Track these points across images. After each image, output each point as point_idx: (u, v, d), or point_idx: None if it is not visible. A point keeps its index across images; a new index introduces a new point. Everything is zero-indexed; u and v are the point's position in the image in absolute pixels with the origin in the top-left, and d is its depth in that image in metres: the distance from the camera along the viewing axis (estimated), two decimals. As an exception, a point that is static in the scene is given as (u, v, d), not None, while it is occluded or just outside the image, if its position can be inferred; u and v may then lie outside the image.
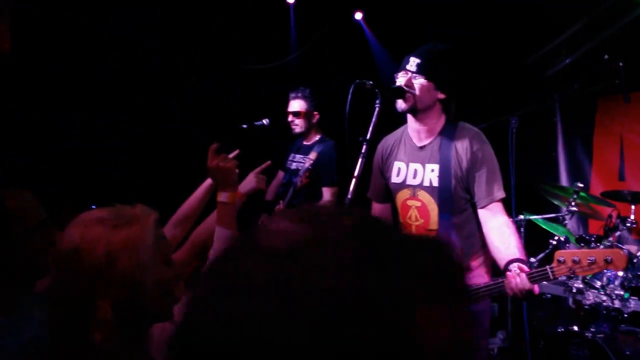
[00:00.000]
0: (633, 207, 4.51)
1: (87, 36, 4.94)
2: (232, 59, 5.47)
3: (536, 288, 2.61)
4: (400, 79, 3.02)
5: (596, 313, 4.37)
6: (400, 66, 3.06)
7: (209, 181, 2.77)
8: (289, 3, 5.52)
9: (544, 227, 4.92)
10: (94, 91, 5.00)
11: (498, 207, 2.95)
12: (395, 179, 3.18)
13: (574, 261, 2.50)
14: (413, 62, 2.99)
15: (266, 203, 5.00)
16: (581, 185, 4.77)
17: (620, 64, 4.50)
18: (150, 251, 1.54)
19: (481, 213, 2.97)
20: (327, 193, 4.61)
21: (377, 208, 3.40)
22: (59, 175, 4.64)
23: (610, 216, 4.66)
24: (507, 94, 5.90)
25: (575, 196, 4.71)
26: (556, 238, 4.80)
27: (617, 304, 4.19)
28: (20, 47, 4.65)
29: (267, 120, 4.79)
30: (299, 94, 4.76)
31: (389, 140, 3.29)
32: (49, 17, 4.77)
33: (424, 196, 3.06)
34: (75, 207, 1.85)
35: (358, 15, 5.97)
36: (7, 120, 4.51)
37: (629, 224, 4.44)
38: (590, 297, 4.38)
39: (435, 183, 3.01)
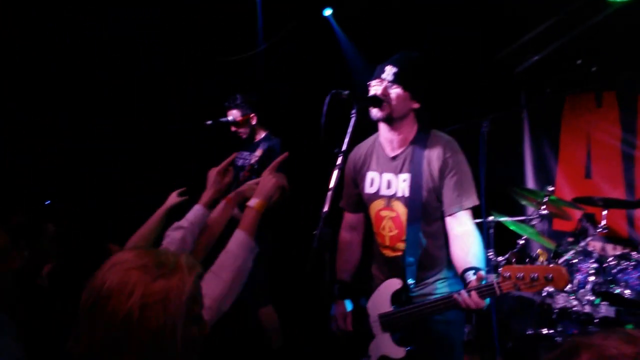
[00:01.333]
0: (604, 212, 4.50)
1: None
2: (200, 53, 5.32)
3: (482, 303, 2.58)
4: (376, 88, 2.93)
5: (566, 316, 4.39)
6: (375, 74, 2.97)
7: (165, 206, 2.91)
8: None
9: (513, 228, 4.92)
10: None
11: (466, 215, 2.90)
12: (368, 189, 3.11)
13: (517, 277, 2.48)
14: (390, 71, 2.91)
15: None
16: (552, 189, 4.76)
17: (594, 68, 4.47)
18: (184, 308, 1.49)
19: (448, 221, 2.93)
20: None
21: (349, 218, 3.33)
22: (56, 174, 4.55)
23: (580, 220, 4.67)
24: (477, 91, 5.86)
25: (546, 199, 4.71)
26: (523, 238, 4.82)
27: (587, 309, 4.21)
28: (18, 45, 4.51)
29: (233, 116, 4.76)
30: (232, 104, 4.87)
31: (360, 150, 3.21)
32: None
33: (398, 207, 3.00)
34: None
35: (327, 12, 5.88)
36: (6, 120, 4.39)
37: (600, 229, 4.45)
38: (561, 300, 4.39)
39: (407, 193, 2.95)
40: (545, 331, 4.40)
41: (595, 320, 4.22)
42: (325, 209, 2.83)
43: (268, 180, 2.62)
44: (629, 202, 5.49)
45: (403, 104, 2.93)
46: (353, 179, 3.21)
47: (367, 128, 3.14)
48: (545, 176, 6.41)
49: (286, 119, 5.37)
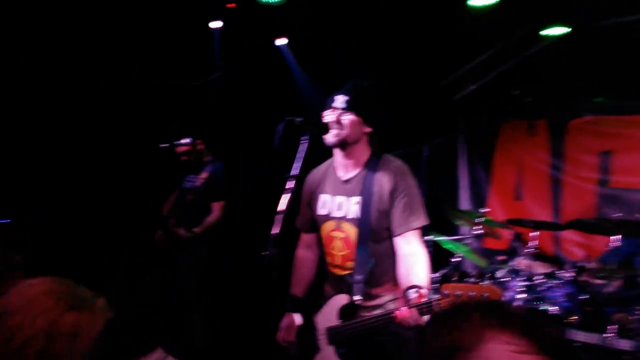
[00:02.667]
0: (533, 233, 4.78)
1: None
2: (156, 77, 5.36)
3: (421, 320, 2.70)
4: (330, 117, 3.07)
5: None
6: (328, 104, 3.11)
7: None
8: (212, 29, 5.49)
9: (447, 247, 5.17)
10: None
11: (413, 236, 3.03)
12: (320, 210, 3.24)
13: (456, 295, 2.59)
14: (341, 100, 3.06)
15: (162, 219, 5.15)
16: (486, 210, 5.02)
17: (530, 99, 4.76)
18: (93, 349, 1.41)
19: (395, 240, 3.05)
20: (215, 208, 5.06)
21: (305, 237, 3.48)
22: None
23: (510, 241, 4.94)
24: (418, 117, 6.11)
25: (480, 220, 4.96)
26: (458, 256, 5.06)
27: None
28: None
29: (189, 139, 4.87)
30: (179, 132, 5.03)
31: (316, 174, 3.35)
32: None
33: (348, 228, 3.12)
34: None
35: (281, 42, 6.00)
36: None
37: (529, 249, 4.71)
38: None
39: (358, 214, 3.08)
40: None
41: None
42: (275, 230, 2.96)
43: None
44: (558, 224, 5.83)
45: (356, 128, 3.07)
46: (307, 201, 3.35)
47: (318, 154, 3.28)
48: (478, 198, 6.74)
49: (237, 144, 5.50)
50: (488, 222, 5.10)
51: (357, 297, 3.04)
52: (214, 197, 5.05)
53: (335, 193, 3.20)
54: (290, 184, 3.02)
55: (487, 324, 1.02)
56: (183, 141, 4.91)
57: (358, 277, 3.05)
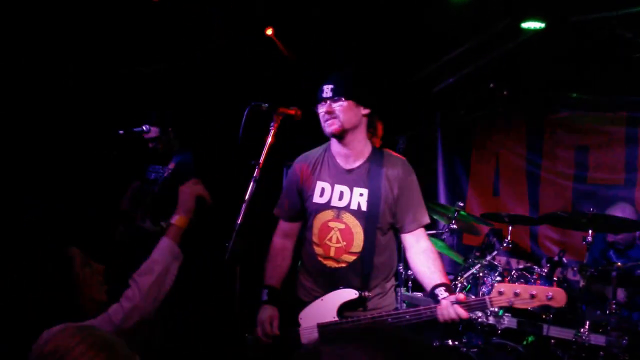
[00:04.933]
0: (510, 228, 4.73)
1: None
2: (120, 61, 5.20)
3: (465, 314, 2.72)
4: (322, 109, 2.98)
5: (471, 328, 4.57)
6: (317, 98, 3.01)
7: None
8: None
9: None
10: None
11: (422, 232, 3.05)
12: (318, 199, 3.09)
13: (515, 294, 2.67)
14: (327, 90, 2.97)
15: (123, 212, 4.90)
16: (462, 204, 4.96)
17: (505, 92, 4.71)
18: None
19: (407, 237, 3.04)
20: None
21: (285, 226, 3.28)
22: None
23: (487, 235, 4.89)
24: (396, 108, 6.03)
25: (456, 214, 4.90)
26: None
27: (491, 320, 4.38)
28: None
29: (147, 126, 4.64)
30: (149, 121, 4.74)
31: (309, 158, 3.19)
32: None
33: (349, 219, 3.02)
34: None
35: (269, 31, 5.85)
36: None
37: (505, 244, 4.67)
38: (466, 313, 4.56)
39: (364, 207, 2.99)
40: (450, 342, 4.55)
41: (499, 331, 4.42)
42: (239, 220, 2.86)
43: (186, 194, 2.62)
44: (532, 218, 5.80)
45: (351, 112, 2.97)
46: (298, 188, 3.18)
47: (287, 141, 3.18)
48: (457, 192, 6.69)
49: (204, 131, 5.34)
50: (464, 217, 5.04)
51: (367, 292, 2.97)
52: None
53: (335, 182, 3.07)
54: (257, 173, 2.92)
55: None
56: (145, 128, 4.69)
57: (365, 271, 2.98)
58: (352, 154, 3.05)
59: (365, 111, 3.03)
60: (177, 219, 2.55)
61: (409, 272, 4.87)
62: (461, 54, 5.88)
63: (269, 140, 2.95)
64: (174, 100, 5.02)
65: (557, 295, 2.65)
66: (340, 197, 3.04)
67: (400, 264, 4.77)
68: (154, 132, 4.75)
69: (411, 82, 6.22)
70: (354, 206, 3.01)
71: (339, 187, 3.06)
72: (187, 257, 3.69)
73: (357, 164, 3.06)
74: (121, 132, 4.55)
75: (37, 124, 4.90)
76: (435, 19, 5.31)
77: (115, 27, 5.10)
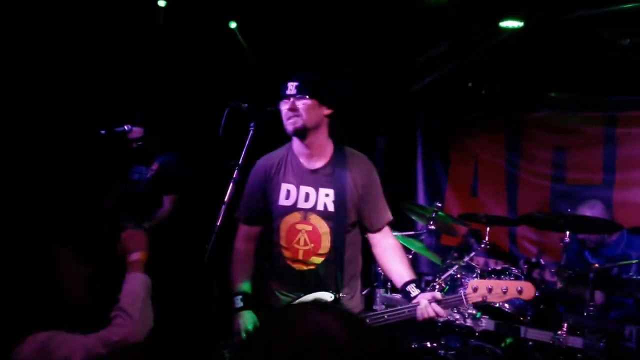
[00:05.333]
0: (487, 228, 4.73)
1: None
2: (100, 60, 5.07)
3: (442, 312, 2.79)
4: (284, 105, 2.93)
5: (449, 329, 4.56)
6: (281, 95, 2.96)
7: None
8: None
9: (402, 243, 5.06)
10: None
11: (388, 229, 3.09)
12: (283, 201, 3.03)
13: (488, 289, 2.79)
14: (292, 87, 2.92)
15: (105, 212, 4.79)
16: (440, 205, 4.95)
17: (483, 92, 4.70)
18: None
19: (374, 235, 3.07)
20: (167, 201, 4.69)
21: (246, 230, 3.19)
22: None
23: (465, 236, 4.88)
24: (375, 108, 6.00)
25: (434, 215, 4.88)
26: (412, 252, 4.97)
27: (469, 322, 4.37)
28: None
29: (129, 126, 4.55)
30: (134, 121, 4.67)
31: (271, 159, 3.12)
32: None
33: (316, 220, 2.98)
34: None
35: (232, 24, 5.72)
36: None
37: (483, 245, 4.67)
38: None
39: (331, 208, 2.96)
40: (429, 344, 4.54)
41: (476, 333, 4.41)
42: (218, 222, 2.81)
43: (135, 235, 2.54)
44: (509, 218, 5.81)
45: (313, 112, 2.94)
46: (262, 190, 3.11)
47: (266, 141, 3.12)
48: (435, 193, 6.67)
49: (186, 132, 5.25)
50: (442, 218, 5.02)
51: (342, 294, 2.95)
52: (166, 190, 4.71)
53: (301, 183, 3.02)
54: (236, 174, 2.87)
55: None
56: (126, 128, 4.59)
57: (334, 272, 2.97)
58: (315, 153, 3.02)
59: (328, 111, 3.01)
60: (137, 256, 2.47)
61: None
62: (440, 54, 5.86)
63: (248, 140, 2.91)
64: (157, 100, 4.90)
65: (526, 288, 2.81)
66: (306, 199, 3.01)
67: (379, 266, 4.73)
68: (137, 132, 4.66)
69: (390, 82, 6.17)
70: (320, 207, 2.99)
71: (304, 189, 3.02)
72: (167, 260, 3.60)
73: (321, 163, 3.03)
74: (103, 132, 4.44)
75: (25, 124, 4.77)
76: (414, 18, 5.28)
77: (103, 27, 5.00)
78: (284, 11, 5.30)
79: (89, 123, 4.66)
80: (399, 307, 2.90)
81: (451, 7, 4.91)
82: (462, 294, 2.80)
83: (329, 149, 3.04)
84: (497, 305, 4.46)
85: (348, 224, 2.99)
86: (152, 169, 4.71)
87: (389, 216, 3.10)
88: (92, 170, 4.84)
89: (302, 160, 3.04)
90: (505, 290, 2.79)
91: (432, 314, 2.74)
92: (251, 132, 2.90)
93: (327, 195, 2.98)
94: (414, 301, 2.82)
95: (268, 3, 5.24)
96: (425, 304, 2.76)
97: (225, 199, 2.85)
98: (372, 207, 3.04)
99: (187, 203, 4.75)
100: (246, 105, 2.87)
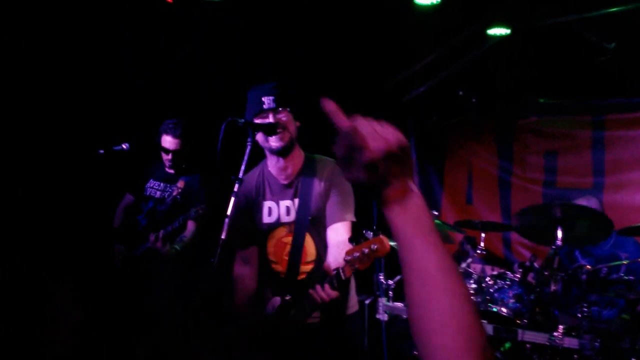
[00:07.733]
0: (483, 234, 4.80)
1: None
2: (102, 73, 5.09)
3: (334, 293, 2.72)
4: (269, 120, 2.96)
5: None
6: (256, 110, 3.00)
7: None
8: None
9: (400, 250, 5.12)
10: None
11: (344, 227, 3.00)
12: (267, 219, 3.13)
13: (354, 257, 2.60)
14: (268, 100, 2.96)
15: (115, 231, 4.76)
16: (436, 213, 5.02)
17: (474, 99, 4.77)
18: None
19: (328, 231, 3.03)
20: (191, 223, 4.45)
21: (242, 254, 3.24)
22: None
23: (461, 243, 4.94)
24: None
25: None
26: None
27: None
28: None
29: (127, 144, 4.52)
30: (177, 132, 4.43)
31: (250, 181, 3.21)
32: None
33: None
34: None
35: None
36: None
37: (479, 251, 4.73)
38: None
39: (307, 215, 3.04)
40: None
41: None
42: (223, 236, 2.86)
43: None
44: (504, 224, 5.88)
45: (293, 124, 3.03)
46: (246, 211, 3.18)
47: (263, 155, 3.20)
48: (431, 201, 6.74)
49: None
50: (439, 226, 5.09)
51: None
52: (192, 217, 4.32)
53: (279, 199, 3.13)
54: (237, 187, 2.94)
55: None
56: (124, 147, 4.40)
57: (324, 275, 2.96)
58: (290, 166, 3.09)
59: (297, 124, 3.08)
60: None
61: (390, 282, 4.88)
62: (430, 62, 5.94)
63: (246, 156, 2.97)
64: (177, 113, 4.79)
65: (379, 243, 2.56)
66: (288, 212, 3.10)
67: (381, 274, 4.79)
68: (174, 143, 4.43)
69: (381, 91, 6.25)
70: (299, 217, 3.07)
71: (283, 203, 3.12)
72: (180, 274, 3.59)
73: (294, 176, 3.11)
74: (101, 151, 4.37)
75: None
76: (402, 27, 5.34)
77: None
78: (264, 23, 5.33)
79: (86, 142, 4.67)
80: (304, 300, 2.87)
81: (438, 15, 4.97)
82: (340, 268, 2.68)
83: (300, 160, 3.12)
84: (495, 310, 4.52)
85: (323, 227, 3.03)
86: (177, 187, 4.47)
87: (347, 216, 3.00)
88: (94, 190, 4.84)
89: (278, 176, 3.14)
90: (365, 251, 2.56)
91: (324, 296, 2.69)
92: (248, 147, 2.96)
93: (302, 205, 3.06)
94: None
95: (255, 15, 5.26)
96: (318, 288, 2.72)
97: (229, 213, 2.90)
98: (329, 206, 3.03)
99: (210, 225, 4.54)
100: (242, 120, 2.93)
